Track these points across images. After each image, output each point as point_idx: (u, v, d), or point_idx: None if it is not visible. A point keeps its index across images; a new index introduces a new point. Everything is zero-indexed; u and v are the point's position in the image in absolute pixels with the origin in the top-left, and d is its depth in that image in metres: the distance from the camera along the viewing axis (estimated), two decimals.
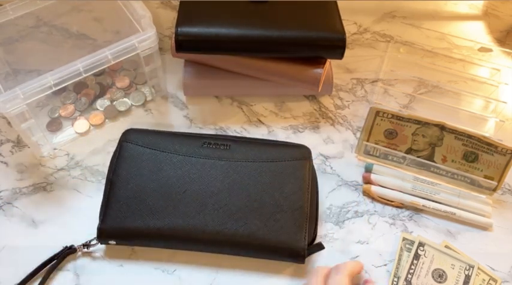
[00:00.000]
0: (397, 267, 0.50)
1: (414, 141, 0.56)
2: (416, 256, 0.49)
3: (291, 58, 0.60)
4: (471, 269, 0.48)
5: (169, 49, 0.66)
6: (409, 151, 0.57)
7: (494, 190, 0.56)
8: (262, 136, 0.62)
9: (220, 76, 0.63)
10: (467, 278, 0.48)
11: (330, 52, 0.59)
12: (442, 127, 0.55)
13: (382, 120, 0.56)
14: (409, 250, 0.51)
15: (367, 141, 0.58)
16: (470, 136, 0.55)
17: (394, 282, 0.49)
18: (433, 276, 0.48)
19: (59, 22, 0.69)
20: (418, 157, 0.57)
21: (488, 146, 0.55)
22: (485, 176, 0.56)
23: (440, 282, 0.48)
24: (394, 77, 0.69)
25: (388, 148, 0.57)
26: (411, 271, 0.48)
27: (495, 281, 0.50)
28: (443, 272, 0.48)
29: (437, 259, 0.49)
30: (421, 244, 0.50)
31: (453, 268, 0.48)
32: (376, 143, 0.57)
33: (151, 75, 0.61)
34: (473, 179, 0.56)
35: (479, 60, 0.71)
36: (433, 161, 0.57)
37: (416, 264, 0.49)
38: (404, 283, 0.49)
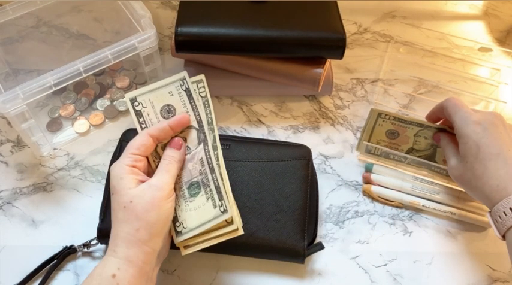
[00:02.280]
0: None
1: (416, 141, 0.56)
2: (138, 113, 0.47)
3: (291, 59, 0.60)
4: (184, 81, 0.46)
5: (169, 49, 0.66)
6: (410, 150, 0.57)
7: None
8: (262, 136, 0.62)
9: (220, 76, 0.63)
10: (188, 92, 0.46)
11: (330, 52, 0.59)
12: (444, 131, 0.55)
13: (384, 121, 0.56)
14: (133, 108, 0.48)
15: (368, 141, 0.57)
16: None
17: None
18: (162, 115, 0.47)
19: (59, 22, 0.69)
20: (419, 157, 0.57)
21: None
22: None
23: (168, 117, 0.47)
24: (394, 77, 0.69)
25: (390, 147, 0.57)
26: (143, 125, 0.47)
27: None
28: (170, 105, 0.47)
29: (156, 99, 0.47)
30: (133, 100, 0.47)
31: (172, 95, 0.47)
32: (378, 143, 0.57)
33: (151, 75, 0.61)
34: None
35: (479, 60, 0.72)
36: (434, 161, 0.57)
37: (143, 117, 0.47)
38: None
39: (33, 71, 0.65)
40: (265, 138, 0.61)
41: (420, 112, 0.65)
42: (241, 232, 0.44)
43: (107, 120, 0.63)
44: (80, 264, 0.51)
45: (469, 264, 0.53)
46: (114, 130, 0.61)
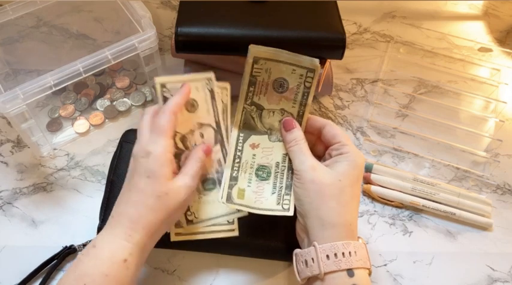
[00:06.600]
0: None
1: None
2: (165, 99, 0.46)
3: None
4: (209, 81, 0.48)
5: (169, 49, 0.66)
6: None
7: None
8: None
9: (220, 76, 0.63)
10: (212, 93, 0.48)
11: (330, 53, 0.59)
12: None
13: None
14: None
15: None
16: None
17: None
18: (186, 107, 0.47)
19: (59, 22, 0.69)
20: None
21: None
22: None
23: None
24: (394, 77, 0.69)
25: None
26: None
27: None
28: (194, 100, 0.48)
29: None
30: (163, 86, 0.47)
31: (198, 90, 0.47)
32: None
33: (151, 75, 0.61)
34: None
35: (479, 60, 0.71)
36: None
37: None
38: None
39: (33, 71, 0.65)
40: None
41: (420, 112, 0.65)
42: (236, 233, 0.47)
43: (106, 120, 0.63)
44: None
45: (469, 264, 0.53)
46: (114, 131, 0.61)
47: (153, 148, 0.43)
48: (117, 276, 0.39)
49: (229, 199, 0.45)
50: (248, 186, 0.47)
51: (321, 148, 0.49)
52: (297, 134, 0.47)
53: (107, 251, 0.40)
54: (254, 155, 0.47)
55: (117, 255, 0.40)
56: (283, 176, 0.47)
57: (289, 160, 0.47)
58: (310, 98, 0.47)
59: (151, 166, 0.42)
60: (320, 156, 0.48)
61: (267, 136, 0.48)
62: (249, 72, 0.47)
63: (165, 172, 0.42)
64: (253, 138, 0.48)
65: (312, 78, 0.47)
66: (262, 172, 0.47)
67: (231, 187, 0.46)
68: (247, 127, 0.48)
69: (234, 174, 0.47)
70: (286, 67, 0.47)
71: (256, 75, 0.47)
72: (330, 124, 0.47)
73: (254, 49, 0.46)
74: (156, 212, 0.41)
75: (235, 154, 0.47)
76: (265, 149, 0.48)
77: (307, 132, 0.48)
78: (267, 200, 0.46)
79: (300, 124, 0.47)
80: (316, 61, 0.47)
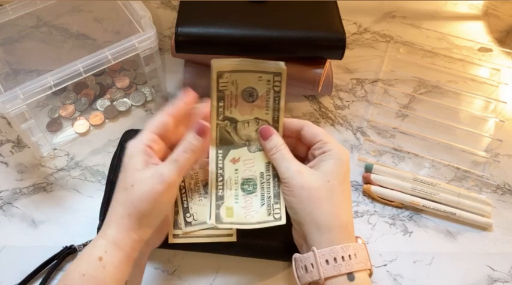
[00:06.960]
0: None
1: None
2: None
3: (291, 59, 0.60)
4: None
5: (169, 49, 0.66)
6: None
7: None
8: None
9: None
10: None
11: (330, 53, 0.59)
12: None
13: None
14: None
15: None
16: None
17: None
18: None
19: (59, 22, 0.69)
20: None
21: None
22: None
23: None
24: (394, 77, 0.69)
25: None
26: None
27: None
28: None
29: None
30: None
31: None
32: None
33: (151, 75, 0.61)
34: None
35: (479, 60, 0.71)
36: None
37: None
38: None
39: (33, 71, 0.65)
40: None
41: (420, 112, 0.65)
42: (234, 239, 0.47)
43: (106, 120, 0.63)
44: None
45: (469, 264, 0.53)
46: (114, 131, 0.61)
47: (129, 143, 0.42)
48: (94, 275, 0.38)
49: (218, 219, 0.44)
50: (236, 203, 0.45)
51: (302, 149, 0.47)
52: (276, 141, 0.46)
53: (85, 250, 0.40)
54: (236, 170, 0.46)
55: (92, 253, 0.39)
56: (269, 185, 0.46)
57: (273, 167, 0.46)
58: (282, 102, 0.46)
59: (124, 159, 0.41)
60: (303, 158, 0.47)
61: (246, 148, 0.47)
62: (215, 87, 0.45)
63: (134, 163, 0.40)
64: (233, 153, 0.47)
65: (280, 82, 0.46)
66: (248, 186, 0.46)
67: (218, 207, 0.45)
68: (225, 142, 0.47)
69: (219, 193, 0.45)
70: (252, 75, 0.46)
71: (223, 90, 0.45)
72: (308, 124, 0.46)
73: (216, 65, 0.45)
74: (123, 206, 0.40)
75: (217, 173, 0.46)
76: (247, 162, 0.47)
77: (285, 136, 0.47)
78: (257, 213, 0.45)
79: (277, 130, 0.46)
80: (282, 64, 0.45)
